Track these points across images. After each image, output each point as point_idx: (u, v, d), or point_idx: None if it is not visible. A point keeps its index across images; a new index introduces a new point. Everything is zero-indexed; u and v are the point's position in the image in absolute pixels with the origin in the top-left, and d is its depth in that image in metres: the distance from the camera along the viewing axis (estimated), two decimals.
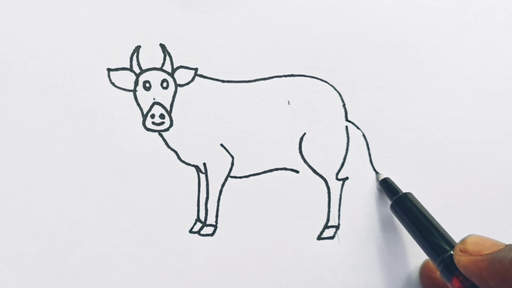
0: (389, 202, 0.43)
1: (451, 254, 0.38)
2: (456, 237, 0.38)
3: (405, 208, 0.42)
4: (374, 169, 0.45)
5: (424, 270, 0.44)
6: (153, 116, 0.42)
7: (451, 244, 0.39)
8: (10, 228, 0.41)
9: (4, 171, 0.41)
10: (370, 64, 0.45)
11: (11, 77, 0.41)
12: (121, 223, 0.42)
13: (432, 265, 0.43)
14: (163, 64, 0.43)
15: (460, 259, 0.36)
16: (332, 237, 0.44)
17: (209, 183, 0.43)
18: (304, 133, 0.44)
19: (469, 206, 0.45)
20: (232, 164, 0.43)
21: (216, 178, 0.43)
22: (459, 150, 0.45)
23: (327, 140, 0.44)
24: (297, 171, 0.44)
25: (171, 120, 0.43)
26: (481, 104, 0.46)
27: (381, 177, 0.44)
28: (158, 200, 0.42)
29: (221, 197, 0.43)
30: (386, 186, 0.44)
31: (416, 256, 0.44)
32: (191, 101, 0.43)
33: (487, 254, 0.35)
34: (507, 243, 0.35)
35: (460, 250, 0.36)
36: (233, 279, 0.43)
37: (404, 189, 0.43)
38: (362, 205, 0.44)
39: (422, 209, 0.41)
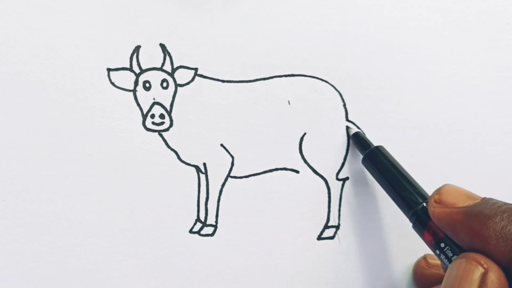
0: (390, 201, 0.43)
1: (424, 207, 0.36)
2: None
3: (377, 162, 0.41)
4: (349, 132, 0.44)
5: (417, 268, 0.43)
6: (153, 116, 0.42)
7: (424, 196, 0.37)
8: (10, 228, 0.41)
9: (4, 171, 0.41)
10: (370, 64, 0.45)
11: (11, 77, 0.41)
12: (121, 223, 0.42)
13: (424, 262, 0.43)
14: (163, 64, 0.43)
15: (434, 210, 0.34)
16: (332, 237, 0.44)
17: (209, 183, 0.43)
18: (304, 133, 0.44)
19: None
20: (232, 164, 0.43)
21: (216, 178, 0.43)
22: (460, 150, 0.45)
23: (327, 140, 0.44)
24: (297, 171, 0.44)
25: (171, 120, 0.43)
26: (481, 104, 0.46)
27: (352, 131, 0.44)
28: (158, 200, 0.42)
29: (221, 197, 0.43)
30: (358, 141, 0.43)
31: (417, 256, 0.44)
32: (191, 101, 0.43)
33: (462, 207, 0.33)
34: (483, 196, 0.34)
35: (435, 201, 0.35)
36: (233, 279, 0.43)
37: None
38: (362, 205, 0.44)
39: (394, 162, 0.40)
